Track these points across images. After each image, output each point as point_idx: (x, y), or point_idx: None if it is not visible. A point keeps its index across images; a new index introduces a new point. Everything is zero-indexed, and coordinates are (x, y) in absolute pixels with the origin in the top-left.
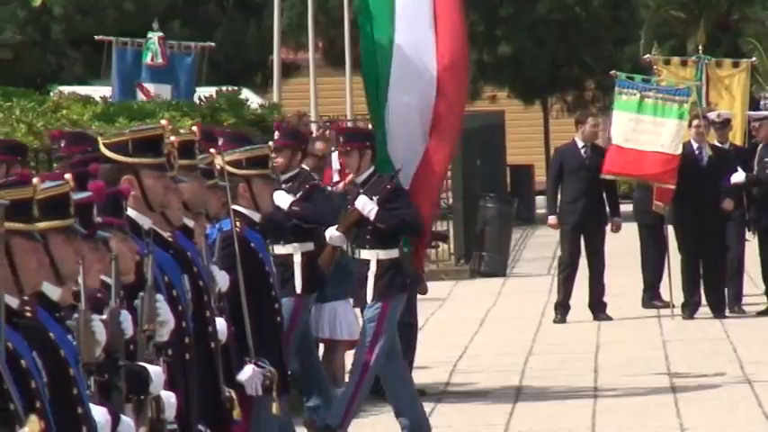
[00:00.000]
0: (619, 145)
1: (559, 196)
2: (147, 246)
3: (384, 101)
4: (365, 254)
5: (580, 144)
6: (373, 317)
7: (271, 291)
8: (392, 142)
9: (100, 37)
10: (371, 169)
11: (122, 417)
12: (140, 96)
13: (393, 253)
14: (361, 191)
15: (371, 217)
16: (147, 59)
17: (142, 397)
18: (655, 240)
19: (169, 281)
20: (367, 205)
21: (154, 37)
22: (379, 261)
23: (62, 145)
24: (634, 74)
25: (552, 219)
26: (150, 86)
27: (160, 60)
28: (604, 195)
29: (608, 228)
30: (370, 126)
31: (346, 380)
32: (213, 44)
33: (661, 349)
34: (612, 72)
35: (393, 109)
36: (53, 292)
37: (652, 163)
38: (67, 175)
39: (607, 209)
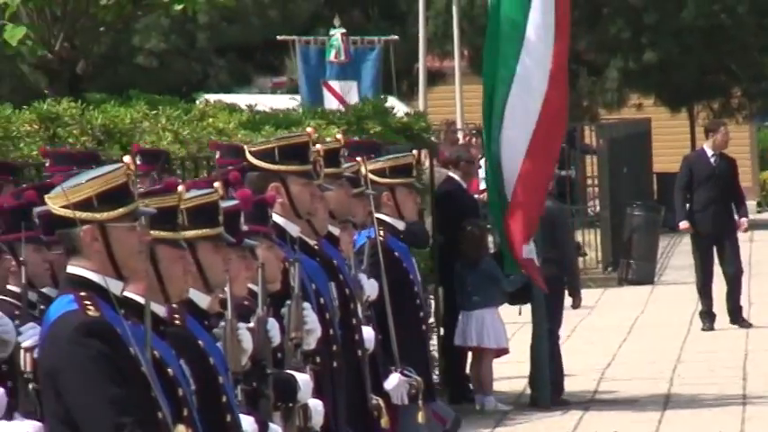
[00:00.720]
0: None
1: (687, 204)
2: (294, 253)
3: (501, 108)
4: None
5: (709, 153)
6: None
7: (415, 299)
8: (503, 147)
9: (282, 37)
10: None
11: (270, 425)
12: (327, 96)
13: None
14: None
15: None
16: (331, 57)
17: (290, 405)
18: None
19: (316, 289)
20: None
21: (336, 33)
22: None
23: (217, 156)
24: None
25: (684, 223)
26: (335, 84)
27: (343, 57)
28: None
29: (739, 232)
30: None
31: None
32: (397, 37)
33: None
34: None
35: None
36: (202, 300)
37: None
38: (216, 184)
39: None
